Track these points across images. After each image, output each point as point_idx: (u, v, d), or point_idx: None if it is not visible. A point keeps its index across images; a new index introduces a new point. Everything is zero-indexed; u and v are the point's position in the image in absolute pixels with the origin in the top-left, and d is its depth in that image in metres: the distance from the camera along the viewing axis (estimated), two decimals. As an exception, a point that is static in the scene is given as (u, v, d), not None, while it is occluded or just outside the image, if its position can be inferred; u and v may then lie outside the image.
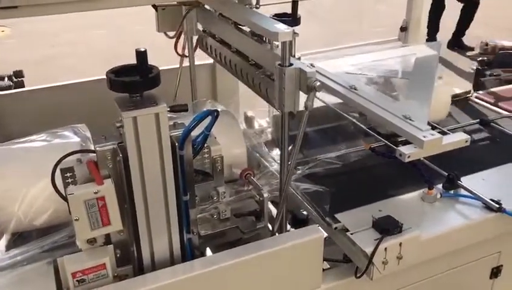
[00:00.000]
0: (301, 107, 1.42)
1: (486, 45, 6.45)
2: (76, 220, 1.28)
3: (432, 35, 6.91)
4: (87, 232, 1.31)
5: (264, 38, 1.61)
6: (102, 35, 7.57)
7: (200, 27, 2.12)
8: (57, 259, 1.37)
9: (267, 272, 1.49)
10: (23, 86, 3.82)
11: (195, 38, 2.17)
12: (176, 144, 1.34)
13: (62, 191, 1.32)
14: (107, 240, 1.40)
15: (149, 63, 1.28)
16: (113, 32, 7.58)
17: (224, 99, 2.42)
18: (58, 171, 1.31)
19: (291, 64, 1.39)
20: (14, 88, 3.59)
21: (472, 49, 6.95)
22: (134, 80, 1.25)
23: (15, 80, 3.84)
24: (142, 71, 1.25)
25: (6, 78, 3.80)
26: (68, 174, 1.34)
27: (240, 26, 1.74)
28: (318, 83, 1.35)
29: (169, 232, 1.42)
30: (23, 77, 3.95)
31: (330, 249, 1.65)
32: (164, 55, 2.15)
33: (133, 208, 1.35)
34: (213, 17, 1.89)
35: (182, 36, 2.13)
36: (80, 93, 2.47)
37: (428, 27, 6.93)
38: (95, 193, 1.27)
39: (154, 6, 2.04)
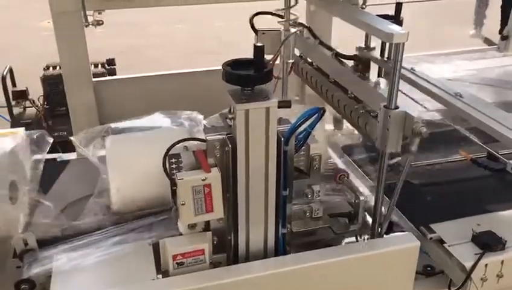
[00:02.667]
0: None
1: None
2: (182, 204, 1.33)
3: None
4: (191, 217, 1.36)
5: (365, 74, 1.61)
6: (184, 29, 7.82)
7: (297, 52, 2.13)
8: (158, 240, 1.43)
9: (358, 276, 1.48)
10: (115, 74, 4.04)
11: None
12: (282, 139, 1.35)
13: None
14: (206, 226, 1.44)
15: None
16: (194, 27, 7.81)
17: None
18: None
19: (397, 107, 1.38)
20: (107, 75, 3.80)
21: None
22: (250, 74, 1.28)
23: (108, 67, 4.05)
24: (257, 66, 1.28)
25: (100, 66, 4.01)
26: (174, 160, 1.40)
27: (340, 58, 1.76)
28: (425, 130, 1.33)
29: (266, 225, 1.44)
30: (115, 65, 4.16)
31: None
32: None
33: (235, 198, 1.38)
34: (311, 44, 1.92)
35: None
36: (173, 83, 2.58)
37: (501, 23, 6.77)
38: (203, 180, 1.32)
39: (254, 30, 2.05)
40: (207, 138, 1.34)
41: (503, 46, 2.70)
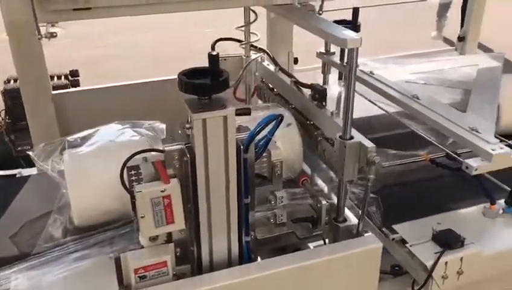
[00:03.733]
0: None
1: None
2: (142, 217, 1.31)
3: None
4: (152, 230, 1.34)
5: (323, 104, 1.67)
6: (146, 38, 7.73)
7: (259, 77, 2.18)
8: (120, 254, 1.41)
9: (323, 279, 1.49)
10: (79, 85, 3.96)
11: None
12: (241, 147, 1.35)
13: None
14: (168, 238, 1.42)
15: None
16: (157, 35, 7.74)
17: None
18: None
19: (352, 138, 1.43)
20: (71, 87, 3.72)
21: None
22: (206, 83, 1.27)
23: (71, 78, 3.98)
24: (213, 74, 1.27)
25: (63, 77, 3.93)
26: (133, 172, 1.38)
27: (299, 86, 1.81)
28: (378, 159, 1.39)
29: (229, 234, 1.43)
30: (78, 76, 4.08)
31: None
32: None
33: (196, 207, 1.37)
34: (271, 71, 1.98)
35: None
36: (136, 93, 2.55)
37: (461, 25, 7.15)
38: (162, 191, 1.30)
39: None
40: (165, 148, 1.32)
41: (460, 47, 2.78)
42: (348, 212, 1.61)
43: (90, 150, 1.59)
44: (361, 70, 1.92)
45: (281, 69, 1.98)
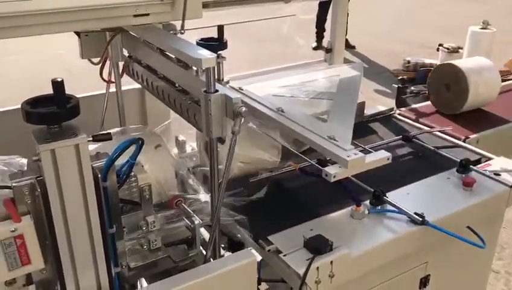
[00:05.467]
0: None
1: (408, 62, 6.87)
2: (-9, 261, 1.20)
3: (319, 43, 8.03)
4: (5, 274, 1.23)
5: (189, 64, 1.61)
6: (19, 60, 7.22)
7: (125, 52, 2.08)
8: (-29, 305, 1.28)
9: (203, 299, 1.47)
10: None
11: (121, 63, 2.13)
12: (99, 175, 1.29)
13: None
14: (29, 279, 1.32)
15: (68, 91, 1.24)
16: (31, 57, 7.26)
17: (155, 124, 2.38)
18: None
19: (216, 91, 1.39)
20: None
21: (354, 47, 7.96)
22: (51, 111, 1.20)
23: None
24: (59, 101, 1.21)
25: None
26: (-18, 212, 1.26)
27: (165, 52, 1.73)
28: (244, 109, 1.37)
29: (96, 267, 1.36)
30: None
31: (270, 270, 1.66)
32: (90, 80, 2.08)
33: (55, 244, 1.28)
34: (138, 42, 1.86)
35: (108, 62, 2.09)
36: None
37: (316, 35, 8.05)
38: (12, 231, 1.20)
39: (76, 32, 1.99)
40: (13, 184, 1.22)
41: (328, 58, 2.93)
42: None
43: None
44: (231, 86, 1.94)
45: (146, 40, 1.83)
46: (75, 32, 1.98)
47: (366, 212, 1.81)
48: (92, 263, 1.35)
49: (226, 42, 2.02)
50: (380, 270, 1.78)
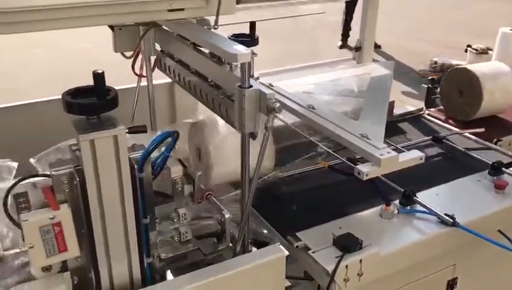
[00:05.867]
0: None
1: (435, 63, 6.78)
2: (31, 247, 1.23)
3: (344, 42, 8.05)
4: (43, 260, 1.26)
5: (223, 60, 1.62)
6: (42, 54, 7.35)
7: (158, 47, 2.10)
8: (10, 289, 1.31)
9: (231, 293, 1.48)
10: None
11: (152, 58, 2.16)
12: (135, 166, 1.32)
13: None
14: (64, 266, 1.35)
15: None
16: (56, 51, 7.38)
17: (183, 118, 2.40)
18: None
19: (250, 86, 1.40)
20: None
21: (379, 46, 7.93)
22: (92, 102, 1.23)
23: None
24: (99, 93, 1.23)
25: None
26: (21, 200, 1.30)
27: (198, 47, 1.75)
28: (278, 104, 1.36)
29: (129, 257, 1.39)
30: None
31: (292, 266, 1.66)
32: (118, 74, 2.10)
33: (91, 232, 1.31)
34: (171, 37, 1.88)
35: (140, 56, 2.12)
36: (28, 114, 2.39)
37: (342, 34, 8.07)
38: (51, 218, 1.23)
39: (110, 26, 2.02)
40: (52, 172, 1.26)
41: (357, 56, 2.91)
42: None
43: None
44: (261, 83, 1.94)
45: (179, 35, 1.84)
46: (109, 26, 2.01)
47: (396, 212, 1.79)
48: (125, 252, 1.37)
49: (258, 38, 2.03)
50: (407, 270, 1.77)
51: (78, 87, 1.29)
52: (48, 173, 1.27)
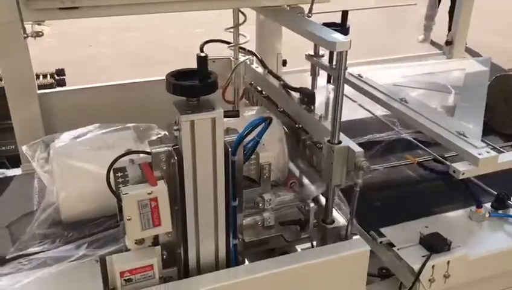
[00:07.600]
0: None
1: (527, 62, 6.34)
2: (128, 219, 1.29)
3: (427, 36, 7.70)
4: (138, 232, 1.32)
5: (311, 107, 1.65)
6: (134, 37, 7.66)
7: (247, 80, 2.17)
8: (105, 257, 1.39)
9: (310, 282, 1.48)
10: (65, 84, 3.93)
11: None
12: (229, 149, 1.34)
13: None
14: (155, 241, 1.41)
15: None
16: (145, 35, 7.67)
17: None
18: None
19: (340, 142, 1.42)
20: (57, 86, 3.68)
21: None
22: (194, 85, 1.26)
23: (57, 78, 3.93)
24: (201, 76, 1.26)
25: (48, 76, 3.89)
26: (120, 174, 1.36)
27: (288, 89, 1.79)
28: (367, 164, 1.37)
29: (217, 237, 1.42)
30: (64, 75, 4.04)
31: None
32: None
33: (183, 210, 1.36)
34: (261, 74, 1.96)
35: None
36: (123, 94, 2.52)
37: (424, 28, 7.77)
38: (149, 193, 1.29)
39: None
40: (152, 150, 1.31)
41: (447, 51, 2.79)
42: (336, 214, 1.60)
43: (78, 144, 1.58)
44: (350, 73, 1.92)
45: (270, 72, 1.97)
46: None
47: (487, 215, 1.71)
48: (213, 232, 1.41)
49: (349, 28, 1.99)
50: (495, 277, 1.69)
51: (179, 70, 1.33)
52: (148, 150, 1.32)
